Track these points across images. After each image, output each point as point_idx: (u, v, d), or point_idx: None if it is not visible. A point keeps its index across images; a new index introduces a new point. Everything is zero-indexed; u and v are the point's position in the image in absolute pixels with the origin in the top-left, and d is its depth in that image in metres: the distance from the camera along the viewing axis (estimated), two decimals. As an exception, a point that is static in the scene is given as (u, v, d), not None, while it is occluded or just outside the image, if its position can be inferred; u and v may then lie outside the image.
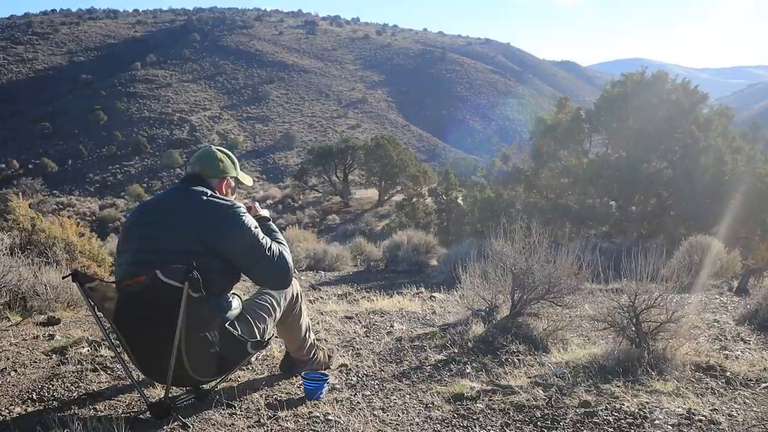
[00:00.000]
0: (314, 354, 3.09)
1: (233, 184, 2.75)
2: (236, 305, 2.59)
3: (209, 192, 2.53)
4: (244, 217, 2.49)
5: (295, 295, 2.92)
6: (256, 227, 2.52)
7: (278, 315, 2.78)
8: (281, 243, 2.65)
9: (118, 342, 2.57)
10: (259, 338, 2.58)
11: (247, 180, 2.85)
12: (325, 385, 2.80)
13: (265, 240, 2.53)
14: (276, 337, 2.96)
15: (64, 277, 2.70)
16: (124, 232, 2.63)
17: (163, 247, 2.42)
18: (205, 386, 2.70)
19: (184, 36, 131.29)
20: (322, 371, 3.02)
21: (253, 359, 3.26)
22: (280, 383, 2.98)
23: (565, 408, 2.63)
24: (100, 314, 2.47)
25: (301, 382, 2.83)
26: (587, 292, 5.33)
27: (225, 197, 2.57)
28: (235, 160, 2.76)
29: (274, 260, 2.51)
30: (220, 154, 2.69)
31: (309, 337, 3.05)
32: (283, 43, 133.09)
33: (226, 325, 2.46)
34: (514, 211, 12.83)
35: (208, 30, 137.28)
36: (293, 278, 2.89)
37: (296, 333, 2.96)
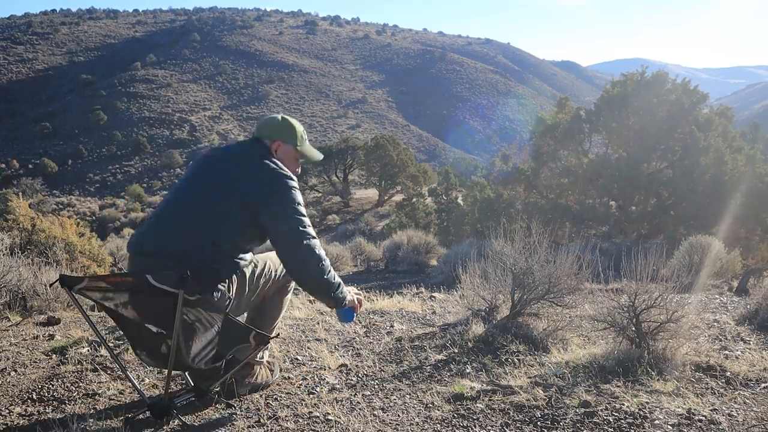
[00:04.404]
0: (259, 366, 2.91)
1: (293, 152, 2.74)
2: (248, 258, 2.59)
3: (265, 154, 2.59)
4: (291, 189, 2.50)
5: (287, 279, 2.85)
6: (299, 204, 2.51)
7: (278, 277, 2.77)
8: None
9: (118, 339, 2.55)
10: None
11: (313, 155, 2.86)
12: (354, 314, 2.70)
13: (305, 220, 2.50)
14: (276, 336, 2.95)
15: (51, 285, 2.65)
16: (188, 171, 2.69)
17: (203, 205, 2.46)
18: (205, 386, 2.70)
19: (184, 36, 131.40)
20: (275, 376, 2.94)
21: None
22: (281, 383, 2.98)
23: (565, 408, 2.63)
24: (100, 314, 2.47)
25: (302, 380, 2.83)
26: (587, 292, 5.34)
27: (277, 162, 2.58)
28: (300, 131, 2.77)
29: (305, 240, 2.45)
30: (282, 120, 2.76)
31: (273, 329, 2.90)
32: (283, 43, 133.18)
33: (230, 315, 2.43)
34: (514, 211, 12.85)
35: (208, 30, 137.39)
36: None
37: (275, 312, 2.86)
